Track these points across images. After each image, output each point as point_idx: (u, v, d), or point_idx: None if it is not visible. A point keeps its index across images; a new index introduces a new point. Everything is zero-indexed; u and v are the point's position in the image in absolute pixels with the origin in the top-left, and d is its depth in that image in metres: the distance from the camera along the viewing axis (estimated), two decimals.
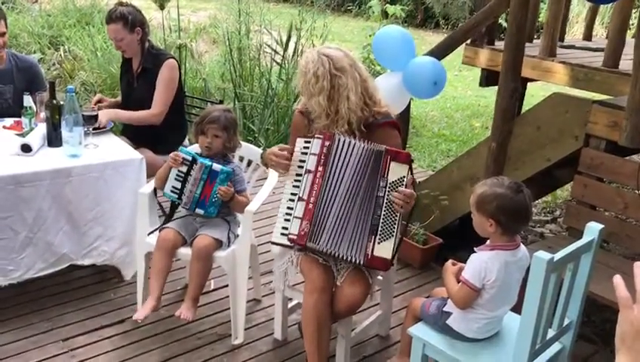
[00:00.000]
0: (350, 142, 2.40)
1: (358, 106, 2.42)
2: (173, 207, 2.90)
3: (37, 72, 3.63)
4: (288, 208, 2.47)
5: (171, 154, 2.77)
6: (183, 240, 2.76)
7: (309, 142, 2.46)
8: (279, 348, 2.85)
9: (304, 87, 2.45)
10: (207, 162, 2.69)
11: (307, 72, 2.41)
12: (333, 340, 2.63)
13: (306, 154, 2.47)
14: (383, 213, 2.37)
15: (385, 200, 2.36)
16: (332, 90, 2.40)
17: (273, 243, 2.51)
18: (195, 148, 2.88)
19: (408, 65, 3.32)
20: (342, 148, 2.41)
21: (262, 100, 5.65)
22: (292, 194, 2.48)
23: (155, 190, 2.86)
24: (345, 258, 2.39)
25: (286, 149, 2.52)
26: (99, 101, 3.63)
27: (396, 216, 2.36)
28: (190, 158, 2.72)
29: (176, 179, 2.76)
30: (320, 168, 2.42)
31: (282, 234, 2.47)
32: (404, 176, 2.36)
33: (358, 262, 2.38)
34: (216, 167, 2.69)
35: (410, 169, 2.39)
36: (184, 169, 2.73)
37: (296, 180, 2.48)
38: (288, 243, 2.46)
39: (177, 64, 3.57)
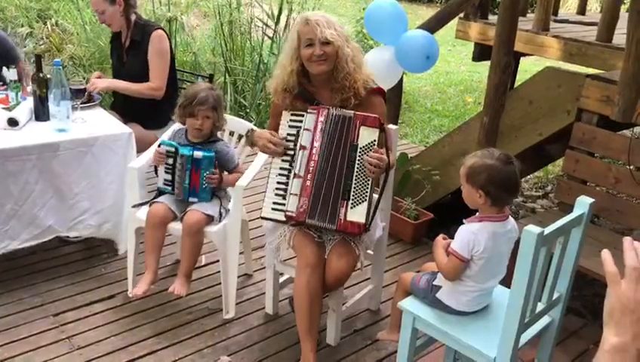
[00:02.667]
0: (340, 115, 2.38)
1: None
2: None
3: (7, 45, 3.53)
4: (279, 183, 2.45)
5: (154, 152, 2.73)
6: (173, 216, 2.74)
7: (299, 115, 2.43)
8: (270, 322, 2.85)
9: (341, 36, 2.40)
10: (187, 152, 2.67)
11: (334, 23, 2.40)
12: (324, 314, 2.65)
13: (293, 127, 2.44)
14: (354, 178, 2.36)
15: (356, 166, 2.35)
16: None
17: (263, 218, 2.50)
18: (179, 126, 2.85)
19: (401, 38, 3.28)
20: (334, 122, 2.39)
21: (253, 75, 5.59)
22: (282, 168, 2.46)
23: (155, 170, 2.82)
24: (322, 226, 2.39)
25: (275, 139, 2.46)
26: (98, 78, 3.58)
27: (368, 180, 2.35)
28: (173, 150, 2.69)
29: (165, 171, 2.74)
30: (315, 144, 2.39)
31: (274, 209, 2.44)
32: (374, 140, 2.34)
33: (330, 228, 2.38)
34: (197, 154, 2.66)
35: (383, 133, 2.37)
36: (170, 161, 2.71)
37: (284, 155, 2.45)
38: (280, 218, 2.44)
39: (166, 34, 3.51)
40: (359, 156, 2.35)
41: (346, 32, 2.46)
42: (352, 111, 2.37)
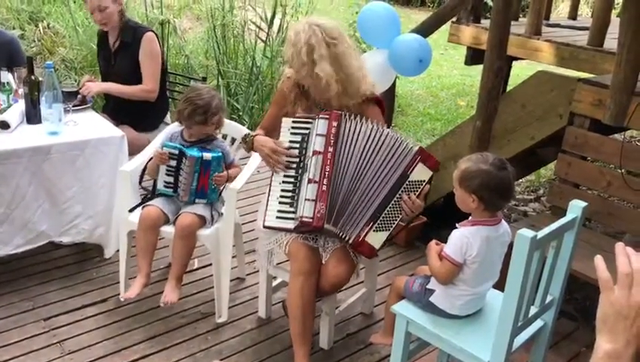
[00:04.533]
0: (357, 121, 2.35)
1: (361, 72, 2.42)
2: (156, 184, 2.86)
3: (17, 48, 3.55)
4: (284, 191, 2.41)
5: (156, 152, 2.70)
6: (165, 218, 2.73)
7: (305, 122, 2.40)
8: (263, 326, 2.85)
9: (296, 58, 2.35)
10: (197, 154, 2.65)
11: (298, 41, 2.33)
12: (317, 318, 2.64)
13: (297, 134, 2.41)
14: (390, 205, 2.33)
15: (397, 195, 2.32)
16: (331, 58, 2.34)
17: (267, 227, 2.44)
18: (174, 128, 2.84)
19: (394, 42, 3.29)
20: (349, 128, 2.35)
21: (246, 78, 5.59)
22: (286, 176, 2.42)
23: (141, 176, 2.80)
24: (337, 233, 2.36)
25: (280, 148, 2.43)
26: (88, 81, 3.56)
27: (400, 213, 2.33)
28: (177, 152, 2.67)
29: (167, 174, 2.71)
30: (330, 149, 2.35)
31: (279, 217, 2.40)
32: (423, 181, 2.32)
33: (347, 239, 2.36)
34: (207, 156, 2.65)
35: (432, 178, 2.34)
36: (173, 163, 2.69)
37: (289, 162, 2.42)
38: (287, 226, 2.39)
39: (157, 36, 3.50)
40: (404, 188, 2.32)
41: (317, 52, 2.31)
42: (419, 145, 2.34)
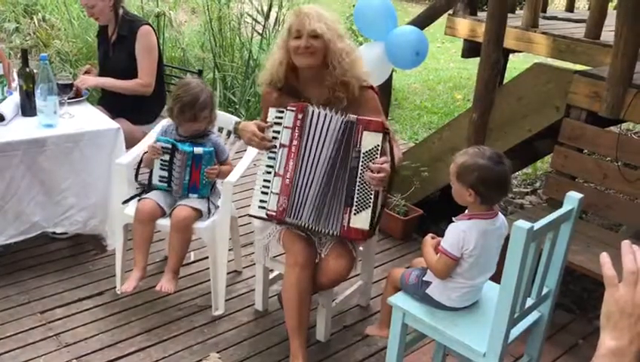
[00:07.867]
0: (323, 113, 2.34)
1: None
2: (151, 178, 2.85)
3: None
4: (265, 181, 2.43)
5: (149, 146, 2.70)
6: (161, 211, 2.72)
7: (282, 112, 2.40)
8: (260, 319, 2.85)
9: (330, 27, 2.35)
10: (188, 148, 2.64)
11: (329, 17, 2.36)
12: (314, 310, 2.65)
13: (279, 125, 2.41)
14: (357, 183, 2.33)
15: (359, 171, 2.32)
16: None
17: (251, 216, 2.49)
18: (168, 122, 2.83)
19: (390, 35, 3.28)
20: (316, 120, 2.35)
21: (243, 71, 5.57)
22: (267, 166, 2.44)
23: (136, 172, 2.80)
24: (322, 231, 2.38)
25: (264, 128, 2.44)
26: (87, 72, 3.55)
27: (371, 187, 2.33)
28: (170, 146, 2.67)
29: (161, 168, 2.71)
30: (295, 142, 2.36)
31: (260, 207, 2.43)
32: (378, 145, 2.30)
33: (334, 234, 2.36)
34: (198, 150, 2.64)
35: (387, 137, 2.33)
36: (167, 157, 2.68)
37: (271, 152, 2.43)
38: (266, 216, 2.43)
39: (153, 30, 3.49)
40: (362, 162, 2.31)
41: (341, 29, 2.41)
42: (355, 116, 2.32)
